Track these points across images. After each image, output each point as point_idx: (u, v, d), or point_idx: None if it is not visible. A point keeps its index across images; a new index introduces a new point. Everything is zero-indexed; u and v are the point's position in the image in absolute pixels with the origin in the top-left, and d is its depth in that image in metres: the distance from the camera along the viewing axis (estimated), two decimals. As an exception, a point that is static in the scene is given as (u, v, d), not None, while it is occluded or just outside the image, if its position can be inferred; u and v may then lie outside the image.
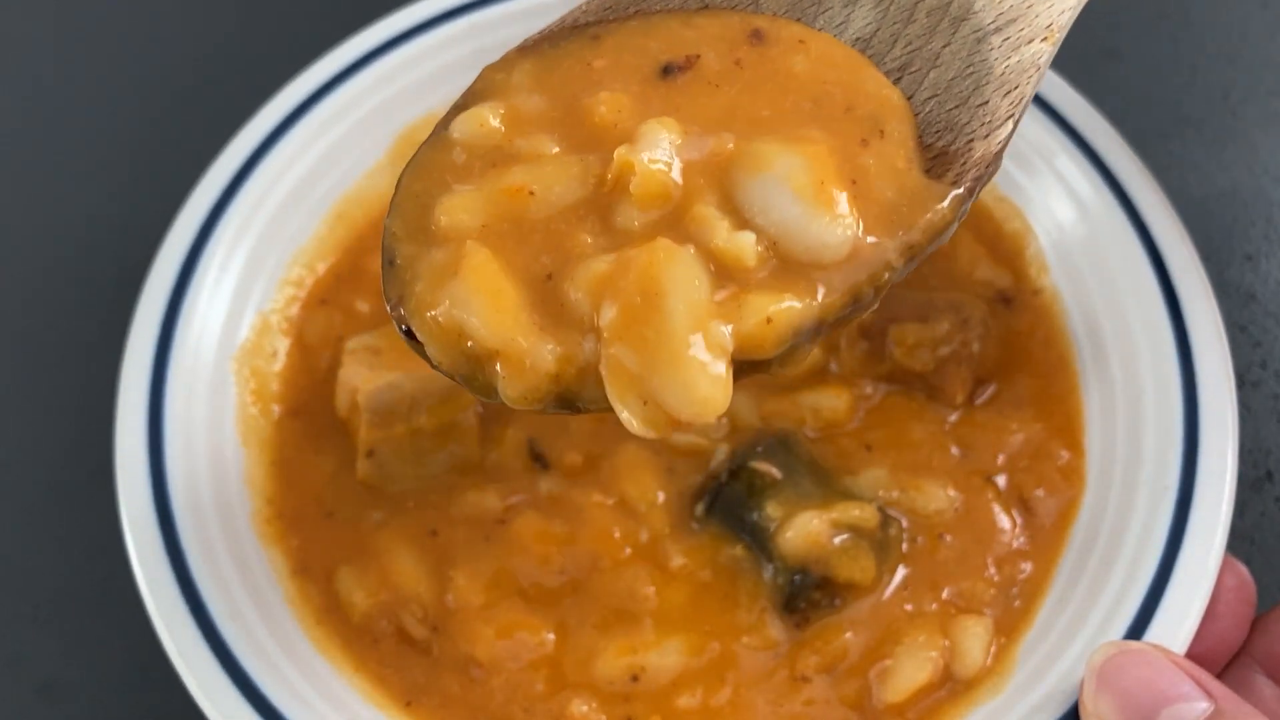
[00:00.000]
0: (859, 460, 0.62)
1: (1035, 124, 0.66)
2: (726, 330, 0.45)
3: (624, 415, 0.46)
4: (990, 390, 0.64)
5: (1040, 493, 0.62)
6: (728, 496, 0.61)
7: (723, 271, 0.46)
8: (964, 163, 0.49)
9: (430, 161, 0.51)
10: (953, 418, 0.64)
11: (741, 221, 0.47)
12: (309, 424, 0.65)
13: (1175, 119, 0.78)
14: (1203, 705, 0.49)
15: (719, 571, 0.61)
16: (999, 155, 0.50)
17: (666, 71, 0.51)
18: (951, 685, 0.58)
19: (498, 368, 0.46)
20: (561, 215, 0.48)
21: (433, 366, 0.48)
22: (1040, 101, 0.67)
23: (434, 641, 0.60)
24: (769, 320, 0.46)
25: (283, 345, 0.66)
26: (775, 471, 0.61)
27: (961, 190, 0.49)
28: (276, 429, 0.65)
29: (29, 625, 0.68)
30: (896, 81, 0.51)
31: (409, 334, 0.48)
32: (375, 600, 0.60)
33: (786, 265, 0.47)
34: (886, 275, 0.47)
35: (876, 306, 0.49)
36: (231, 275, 0.65)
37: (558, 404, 0.47)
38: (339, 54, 0.69)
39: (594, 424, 0.63)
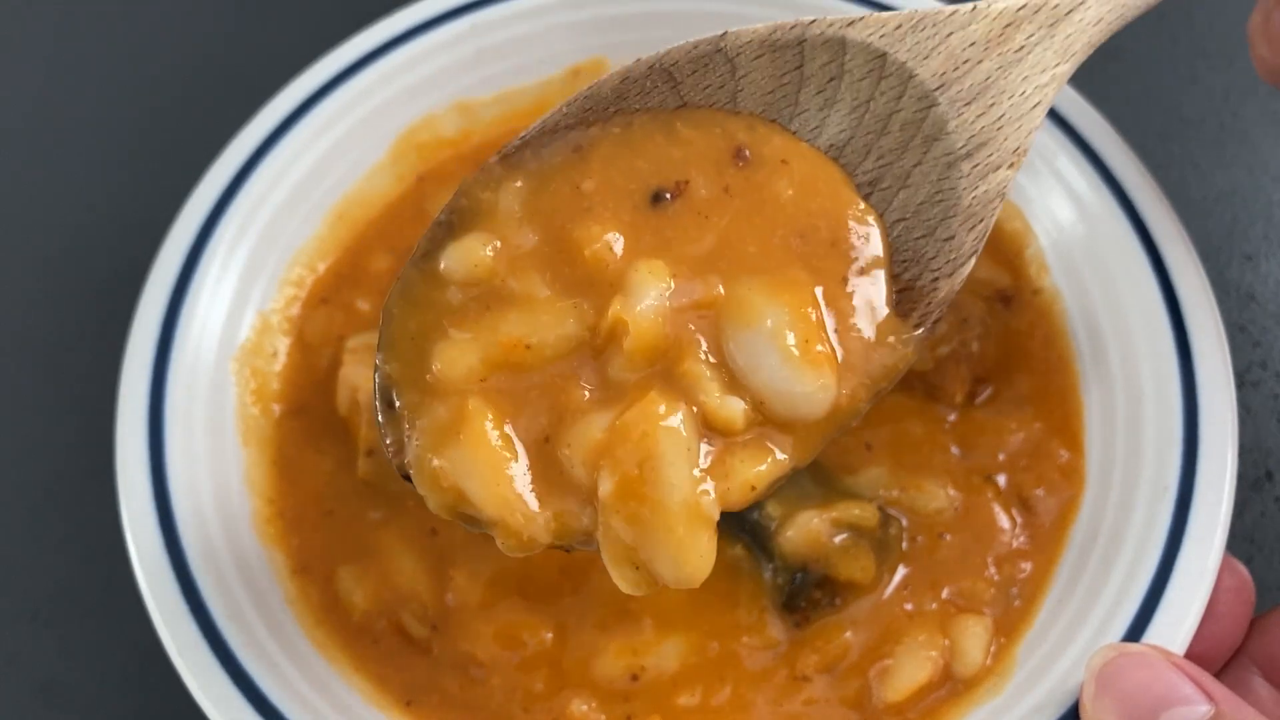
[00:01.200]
0: (859, 459, 0.63)
1: (1035, 124, 0.66)
2: (713, 501, 0.48)
3: (615, 577, 0.48)
4: (990, 389, 0.64)
5: (1040, 492, 0.62)
6: (728, 496, 0.61)
7: (710, 427, 0.49)
8: (929, 303, 0.51)
9: (423, 297, 0.51)
10: (952, 417, 0.64)
11: (730, 378, 0.49)
12: (309, 423, 0.65)
13: (1175, 119, 0.78)
14: (1204, 708, 0.49)
15: (719, 570, 0.60)
16: (954, 295, 0.51)
17: (657, 199, 0.51)
18: (951, 685, 0.58)
19: (494, 531, 0.49)
20: (557, 367, 0.50)
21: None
22: (1040, 102, 0.67)
23: (434, 641, 0.60)
24: (753, 488, 0.48)
25: (283, 345, 0.66)
26: (775, 471, 0.61)
27: (924, 331, 0.51)
28: (277, 428, 0.65)
29: (29, 625, 0.68)
30: (867, 197, 0.52)
31: (408, 478, 0.50)
32: (375, 599, 0.60)
33: (770, 423, 0.49)
34: (854, 420, 0.50)
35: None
36: (232, 275, 0.65)
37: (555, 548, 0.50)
38: (340, 54, 0.69)
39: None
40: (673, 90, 0.53)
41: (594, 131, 0.53)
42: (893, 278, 0.51)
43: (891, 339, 0.50)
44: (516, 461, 0.49)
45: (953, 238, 0.51)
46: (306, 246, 0.68)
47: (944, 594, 0.60)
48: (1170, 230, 0.63)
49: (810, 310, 0.49)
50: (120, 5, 0.85)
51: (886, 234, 0.51)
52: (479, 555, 0.61)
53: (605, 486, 0.47)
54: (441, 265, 0.51)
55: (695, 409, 0.48)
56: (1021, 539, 0.61)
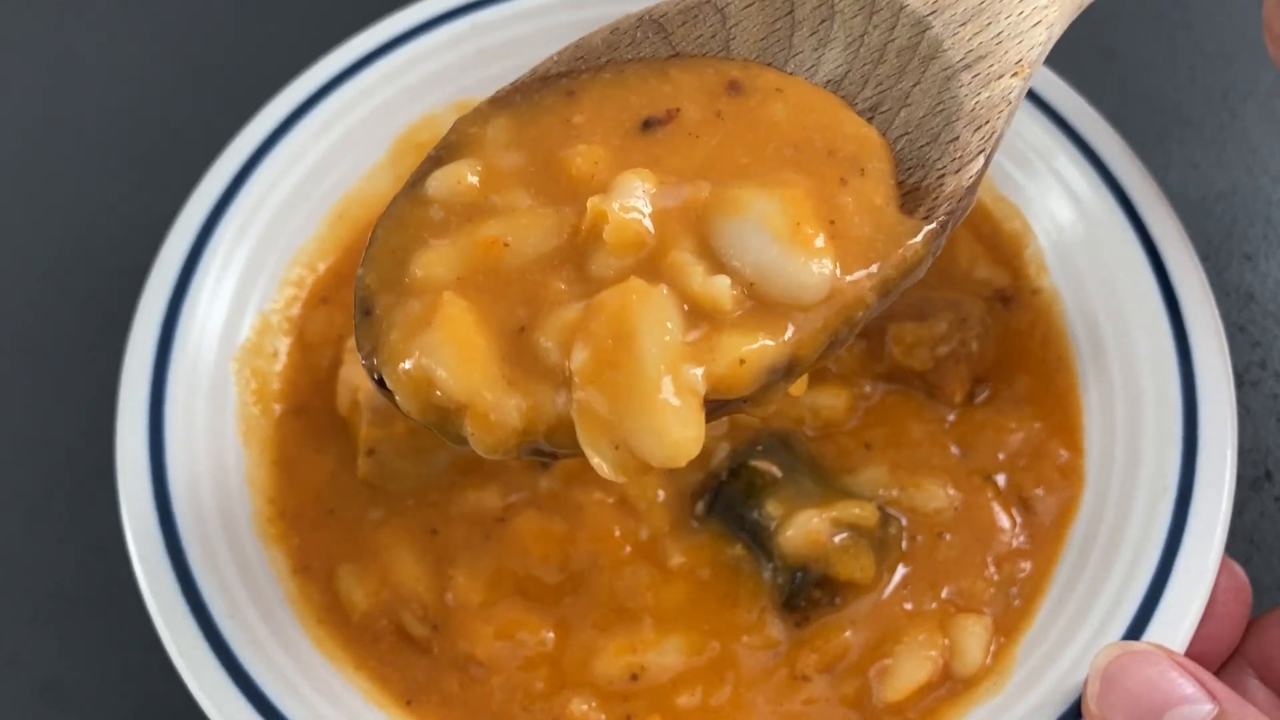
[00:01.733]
0: (858, 459, 0.63)
1: (1034, 124, 0.66)
2: (698, 373, 0.45)
3: (595, 460, 0.45)
4: (989, 389, 0.64)
5: (1039, 492, 0.62)
6: (728, 495, 0.61)
7: (697, 313, 0.46)
8: (936, 197, 0.50)
9: (406, 217, 0.51)
10: (951, 416, 0.64)
11: (717, 265, 0.47)
12: (310, 423, 0.65)
13: (1174, 119, 0.78)
14: (1207, 708, 0.49)
15: (719, 570, 0.61)
16: (971, 190, 0.50)
17: (647, 125, 0.51)
18: (951, 684, 0.58)
19: (465, 421, 0.47)
20: (536, 265, 0.48)
21: (403, 414, 0.48)
22: (1039, 101, 0.67)
23: (434, 640, 0.60)
24: (742, 361, 0.46)
25: (283, 344, 0.66)
26: (775, 470, 0.61)
27: (934, 225, 0.49)
28: (277, 428, 0.65)
29: (29, 625, 0.68)
30: (869, 121, 0.51)
31: (380, 383, 0.49)
32: (375, 599, 0.60)
33: (763, 306, 0.47)
34: (861, 313, 0.48)
35: (851, 340, 0.49)
36: (232, 275, 0.65)
37: (530, 453, 0.47)
38: (340, 54, 0.69)
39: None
40: (664, 41, 0.53)
41: (585, 78, 0.52)
42: (898, 183, 0.50)
43: (899, 229, 0.48)
44: (489, 347, 0.47)
45: (957, 139, 0.50)
46: (307, 246, 0.68)
47: (944, 593, 0.60)
48: (1169, 230, 0.63)
49: (803, 201, 0.48)
50: (120, 6, 0.85)
51: (889, 146, 0.50)
52: (479, 555, 0.61)
53: (579, 358, 0.45)
54: (428, 188, 0.51)
55: (680, 292, 0.46)
56: (1021, 538, 0.61)
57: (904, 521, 0.62)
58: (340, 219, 0.69)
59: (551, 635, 0.60)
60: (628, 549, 0.61)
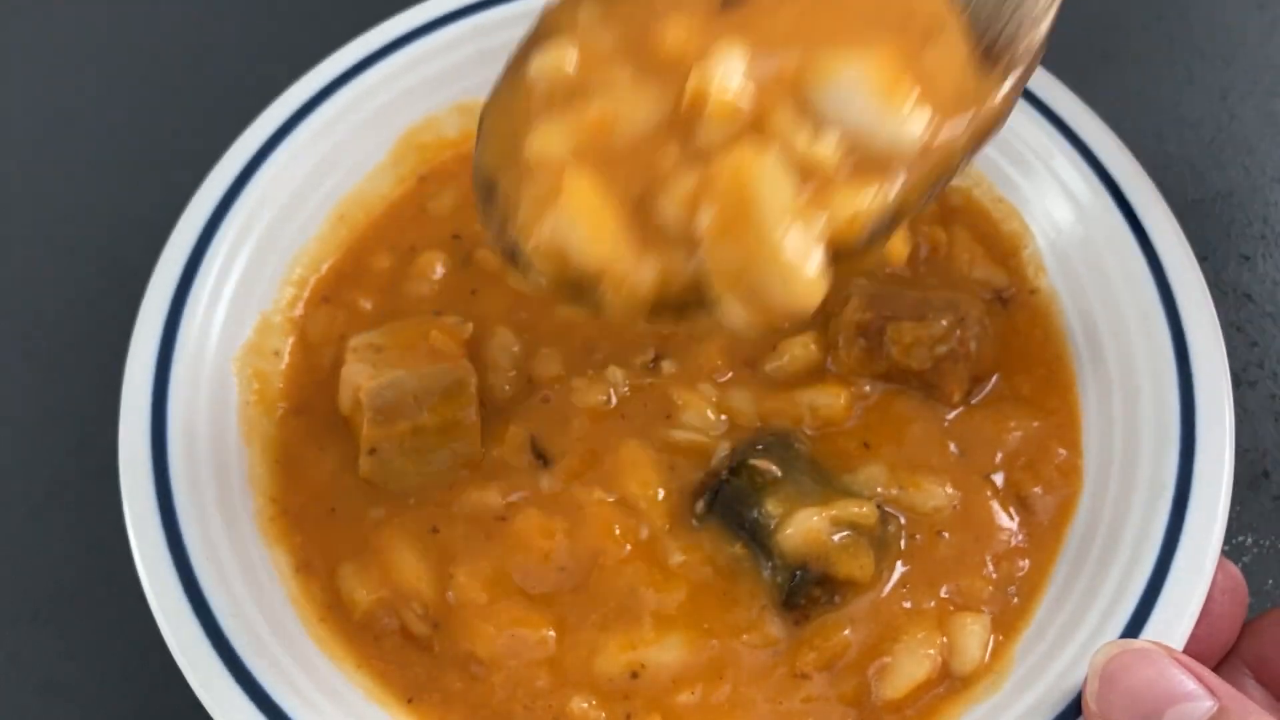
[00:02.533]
0: (858, 458, 0.63)
1: (1032, 125, 0.67)
2: (817, 230, 0.48)
3: (729, 314, 0.48)
4: (987, 389, 0.64)
5: (1038, 490, 0.62)
6: (728, 494, 0.61)
7: (806, 173, 0.49)
8: (1012, 55, 0.51)
9: (512, 104, 0.53)
10: (950, 416, 0.64)
11: (819, 126, 0.49)
12: (312, 422, 0.65)
13: (1172, 120, 0.78)
14: (1208, 704, 0.49)
15: (719, 569, 0.61)
16: (1042, 48, 0.52)
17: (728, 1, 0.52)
18: (950, 682, 0.58)
19: (602, 288, 0.49)
20: (645, 139, 0.50)
21: (537, 286, 0.51)
22: (1037, 102, 0.67)
23: (435, 638, 0.60)
24: (854, 217, 0.48)
25: (285, 344, 0.67)
26: (775, 469, 0.61)
27: (1013, 80, 0.51)
28: (279, 427, 0.65)
29: (29, 625, 0.68)
30: None
31: (511, 258, 0.51)
32: (377, 597, 0.60)
33: (865, 162, 0.49)
34: (955, 163, 0.50)
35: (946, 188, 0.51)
36: (234, 275, 0.66)
37: (658, 314, 0.50)
38: (342, 55, 0.69)
39: (595, 421, 0.64)
40: None
41: None
42: (977, 40, 0.51)
43: (981, 85, 0.51)
44: (616, 215, 0.49)
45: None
46: (309, 247, 0.68)
47: (942, 592, 0.60)
48: (1167, 230, 0.63)
49: (894, 59, 0.50)
50: (121, 6, 0.85)
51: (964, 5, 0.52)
52: (480, 553, 0.61)
53: (705, 218, 0.48)
54: (530, 72, 0.53)
55: (787, 154, 0.49)
56: (1020, 537, 0.61)
57: (903, 520, 0.62)
58: (342, 220, 0.69)
59: (552, 634, 0.60)
60: (628, 548, 0.61)
